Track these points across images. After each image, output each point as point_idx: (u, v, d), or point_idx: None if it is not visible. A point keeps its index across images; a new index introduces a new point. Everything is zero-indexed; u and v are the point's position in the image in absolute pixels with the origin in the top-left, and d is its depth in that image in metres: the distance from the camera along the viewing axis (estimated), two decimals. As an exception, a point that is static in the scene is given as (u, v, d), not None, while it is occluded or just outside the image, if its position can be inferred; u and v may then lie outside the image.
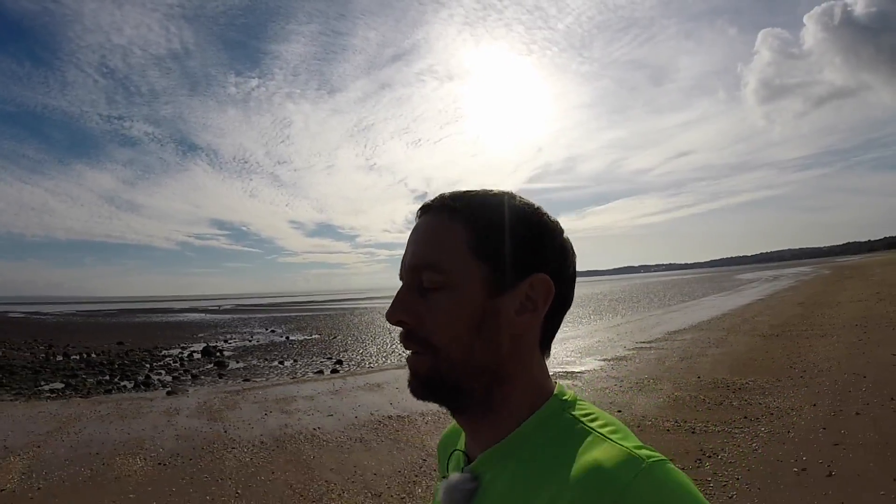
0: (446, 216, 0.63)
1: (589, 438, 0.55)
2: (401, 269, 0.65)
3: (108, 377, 13.04)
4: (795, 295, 23.60)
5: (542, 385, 0.63)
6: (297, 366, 14.14)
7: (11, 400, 10.18)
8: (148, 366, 14.97)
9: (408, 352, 0.63)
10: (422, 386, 0.62)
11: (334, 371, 12.61)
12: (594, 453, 0.52)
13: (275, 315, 42.91)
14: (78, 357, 17.59)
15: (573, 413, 0.59)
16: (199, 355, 16.96)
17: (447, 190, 0.66)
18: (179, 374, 13.22)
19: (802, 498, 3.43)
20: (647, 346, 11.84)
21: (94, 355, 17.93)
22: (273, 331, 26.46)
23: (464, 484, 0.60)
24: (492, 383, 0.61)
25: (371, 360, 14.40)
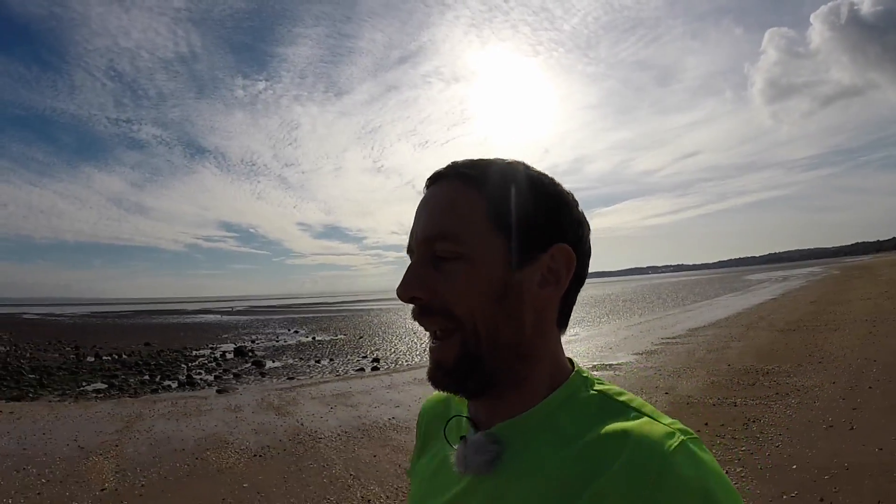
0: (461, 184, 0.59)
1: (624, 412, 0.55)
2: (410, 243, 0.61)
3: (147, 377, 13.08)
4: (807, 294, 23.87)
5: (562, 361, 0.61)
6: (335, 364, 14.15)
7: (59, 400, 10.22)
8: (184, 366, 14.99)
9: (431, 342, 0.60)
10: (448, 375, 0.58)
11: (374, 369, 12.62)
12: (633, 424, 0.52)
13: (291, 316, 43.03)
14: (109, 358, 17.65)
15: (598, 388, 0.58)
16: (232, 355, 16.98)
17: None
18: (219, 373, 13.24)
19: (832, 445, 4.49)
20: (673, 341, 12.21)
21: (125, 356, 17.99)
22: (296, 332, 26.50)
23: (487, 446, 0.57)
24: (515, 360, 0.58)
25: (406, 358, 14.48)
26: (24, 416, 7.43)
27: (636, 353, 10.76)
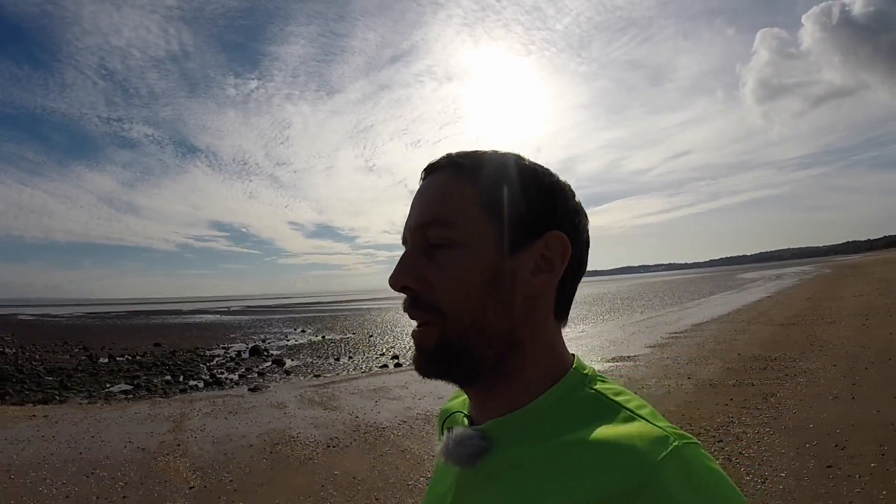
0: (455, 173, 0.60)
1: (617, 414, 0.52)
2: (404, 233, 0.62)
3: (169, 377, 13.08)
4: (801, 292, 24.64)
5: (559, 355, 0.60)
6: (356, 362, 14.26)
7: (88, 402, 10.19)
8: (203, 366, 15.01)
9: (415, 326, 0.60)
10: (430, 361, 0.59)
11: (397, 365, 12.78)
12: (623, 429, 0.50)
13: (293, 316, 42.93)
14: (123, 358, 17.61)
15: (595, 388, 0.57)
16: (248, 355, 17.03)
17: None
18: (242, 372, 13.31)
19: (839, 409, 5.42)
20: (681, 335, 12.86)
21: (138, 357, 17.95)
22: (303, 331, 26.50)
23: (472, 440, 0.56)
24: (505, 350, 0.57)
25: (424, 355, 14.66)
26: (60, 419, 7.44)
27: (649, 346, 11.43)
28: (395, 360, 13.58)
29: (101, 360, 17.69)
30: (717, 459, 4.62)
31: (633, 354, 10.60)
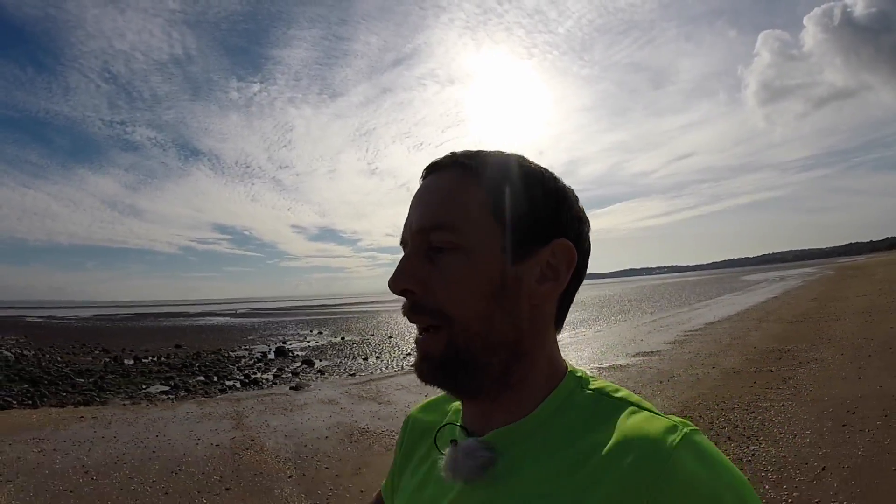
0: (459, 174, 0.58)
1: (622, 409, 0.53)
2: (404, 234, 0.60)
3: (203, 378, 13.16)
4: (807, 292, 25.06)
5: (556, 361, 0.60)
6: (385, 361, 14.44)
7: (131, 403, 10.17)
8: (232, 367, 15.10)
9: (419, 334, 0.58)
10: (435, 368, 0.57)
11: (428, 365, 12.97)
12: (633, 421, 0.51)
13: (302, 318, 43.04)
14: (148, 360, 17.70)
15: (593, 387, 0.57)
16: (273, 356, 17.15)
17: None
18: (275, 372, 13.45)
19: (848, 387, 6.36)
20: (696, 333, 13.43)
21: (163, 358, 18.06)
22: (319, 332, 26.64)
23: (479, 452, 0.55)
24: (510, 359, 0.56)
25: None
26: (112, 420, 7.40)
27: (668, 343, 12.04)
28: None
29: (127, 361, 17.78)
30: (752, 425, 5.15)
31: (655, 350, 11.13)
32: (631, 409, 0.53)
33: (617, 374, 8.96)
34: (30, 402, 10.57)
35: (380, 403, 7.54)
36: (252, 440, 6.02)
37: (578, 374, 0.59)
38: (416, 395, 7.97)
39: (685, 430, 0.49)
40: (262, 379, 12.43)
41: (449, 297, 0.54)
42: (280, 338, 24.42)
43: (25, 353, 21.68)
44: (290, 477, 4.67)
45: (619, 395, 0.56)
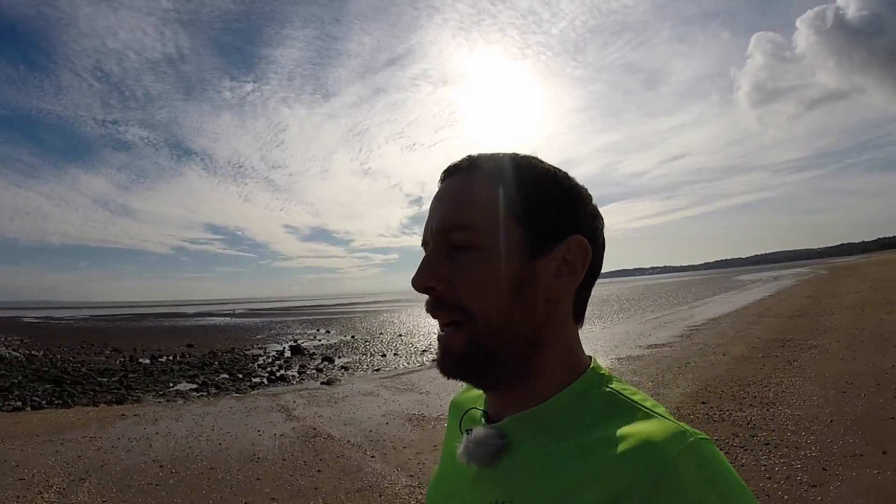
0: (477, 176, 0.60)
1: (635, 412, 0.54)
2: (425, 236, 0.63)
3: (227, 376, 13.36)
4: (801, 290, 26.26)
5: (577, 356, 0.61)
6: (404, 357, 14.83)
7: (165, 401, 10.24)
8: (252, 365, 15.35)
9: (440, 330, 0.61)
10: (458, 364, 0.60)
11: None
12: (641, 426, 0.51)
13: (304, 318, 43.16)
14: (164, 360, 17.83)
15: (612, 387, 0.58)
16: (290, 354, 17.41)
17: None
18: (299, 369, 13.78)
19: (845, 365, 7.48)
20: (700, 328, 14.20)
21: (179, 357, 18.22)
22: (326, 331, 26.89)
23: (492, 440, 0.58)
24: (528, 351, 0.59)
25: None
26: (158, 417, 7.46)
27: (676, 336, 12.82)
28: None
29: (143, 360, 17.88)
30: (768, 396, 6.18)
31: (666, 342, 11.91)
32: (644, 412, 0.54)
33: (635, 364, 9.43)
34: (59, 401, 10.59)
35: (420, 394, 7.96)
36: (314, 429, 6.34)
37: (601, 372, 0.60)
38: (452, 385, 8.34)
39: (692, 438, 0.49)
40: (289, 375, 12.75)
41: (470, 293, 0.57)
42: (290, 337, 24.68)
43: (34, 353, 21.76)
44: (372, 457, 5.05)
45: (636, 397, 0.56)
